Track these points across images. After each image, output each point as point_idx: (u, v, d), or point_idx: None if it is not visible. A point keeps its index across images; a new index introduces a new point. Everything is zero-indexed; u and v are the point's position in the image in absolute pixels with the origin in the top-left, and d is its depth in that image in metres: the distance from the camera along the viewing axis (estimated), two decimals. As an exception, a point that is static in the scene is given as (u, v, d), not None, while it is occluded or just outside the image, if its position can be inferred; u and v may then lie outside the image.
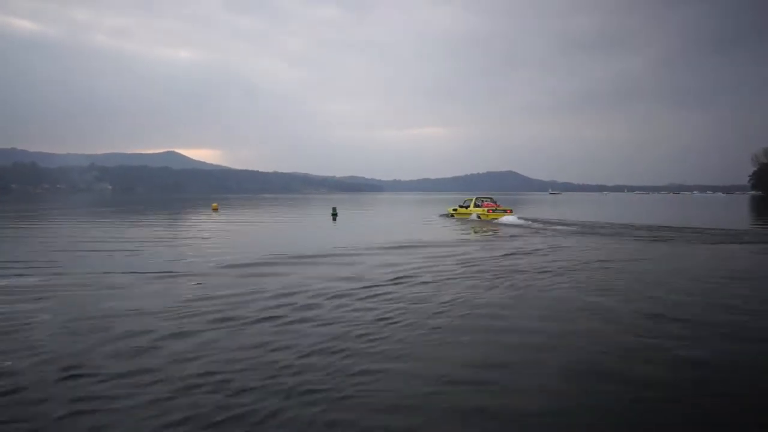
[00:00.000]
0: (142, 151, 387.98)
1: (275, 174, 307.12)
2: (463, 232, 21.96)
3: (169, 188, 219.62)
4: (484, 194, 38.25)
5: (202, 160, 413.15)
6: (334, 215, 31.79)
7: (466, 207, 31.50)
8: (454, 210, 32.67)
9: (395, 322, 6.48)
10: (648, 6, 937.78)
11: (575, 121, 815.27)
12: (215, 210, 39.19)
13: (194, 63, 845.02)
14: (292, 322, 6.48)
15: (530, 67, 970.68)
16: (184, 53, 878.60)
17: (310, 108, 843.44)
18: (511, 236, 19.08)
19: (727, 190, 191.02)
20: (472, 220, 28.66)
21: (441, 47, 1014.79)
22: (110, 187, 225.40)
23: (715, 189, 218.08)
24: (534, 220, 26.97)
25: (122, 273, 10.12)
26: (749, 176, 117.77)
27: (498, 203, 31.42)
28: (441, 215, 33.59)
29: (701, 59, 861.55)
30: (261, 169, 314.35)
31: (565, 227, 22.80)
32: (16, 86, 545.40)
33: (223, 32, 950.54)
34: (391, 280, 9.41)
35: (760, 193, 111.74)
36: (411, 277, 9.79)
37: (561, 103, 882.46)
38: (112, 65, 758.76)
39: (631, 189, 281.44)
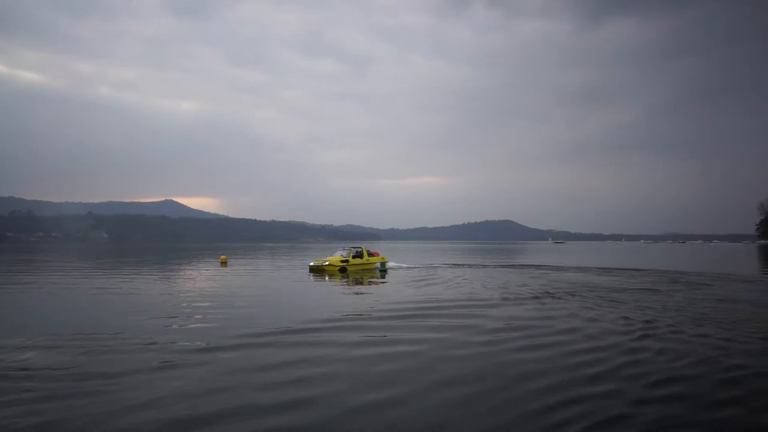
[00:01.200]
0: (140, 200, 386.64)
1: (273, 222, 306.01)
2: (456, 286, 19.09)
3: (167, 237, 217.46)
4: (355, 244, 42.99)
5: (201, 209, 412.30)
6: (383, 271, 26.49)
7: (361, 257, 26.71)
8: (344, 262, 25.48)
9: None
10: (637, 60, 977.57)
11: (572, 170, 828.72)
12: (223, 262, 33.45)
13: (194, 114, 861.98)
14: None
15: (526, 119, 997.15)
16: (185, 105, 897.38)
17: (309, 158, 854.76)
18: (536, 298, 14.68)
19: (731, 238, 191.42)
20: (377, 270, 26.48)
21: (438, 99, 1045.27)
22: (106, 235, 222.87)
23: (717, 238, 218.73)
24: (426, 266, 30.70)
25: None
26: (756, 225, 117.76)
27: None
28: (317, 270, 24.88)
29: (692, 110, 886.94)
30: (259, 218, 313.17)
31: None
32: (17, 136, 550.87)
33: (223, 85, 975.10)
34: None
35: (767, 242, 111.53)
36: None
37: (557, 154, 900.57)
38: (113, 116, 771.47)
39: (629, 238, 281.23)
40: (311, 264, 26.16)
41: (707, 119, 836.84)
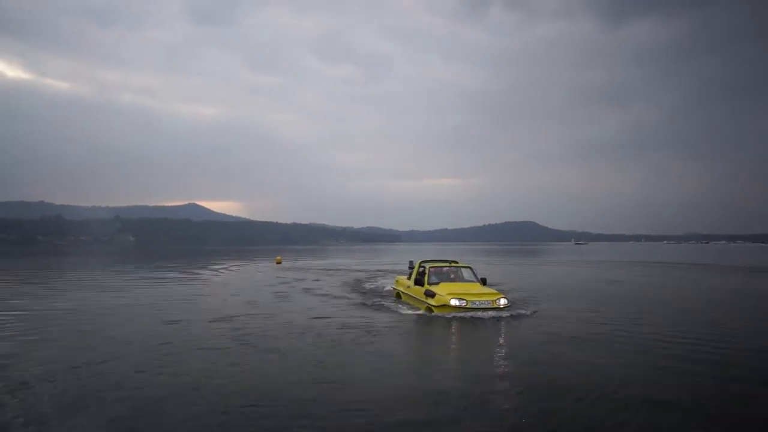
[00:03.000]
0: (165, 204, 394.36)
1: (294, 225, 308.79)
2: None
3: (191, 240, 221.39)
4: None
5: (223, 212, 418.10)
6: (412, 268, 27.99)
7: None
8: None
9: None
10: (658, 60, 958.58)
11: (593, 171, 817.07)
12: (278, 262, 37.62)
13: (216, 118, 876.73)
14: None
15: (545, 119, 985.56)
16: (206, 109, 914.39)
17: (328, 160, 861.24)
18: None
19: (755, 239, 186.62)
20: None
21: (455, 101, 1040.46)
22: (132, 239, 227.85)
23: (741, 239, 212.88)
24: None
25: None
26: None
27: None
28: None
29: (713, 110, 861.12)
30: (280, 221, 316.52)
31: None
32: (46, 142, 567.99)
33: (243, 89, 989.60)
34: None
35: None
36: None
37: (577, 154, 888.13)
38: (137, 121, 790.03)
39: (651, 239, 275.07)
40: (435, 305, 12.02)
41: (730, 118, 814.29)
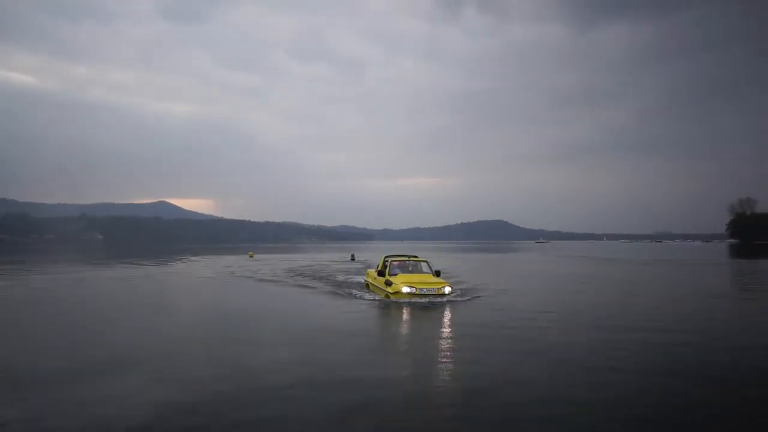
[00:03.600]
0: (134, 201, 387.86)
1: (267, 223, 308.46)
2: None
3: (162, 238, 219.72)
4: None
5: (195, 210, 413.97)
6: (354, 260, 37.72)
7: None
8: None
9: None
10: (629, 64, 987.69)
11: (564, 171, 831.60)
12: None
13: (188, 116, 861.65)
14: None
15: (519, 121, 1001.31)
16: (179, 107, 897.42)
17: (302, 159, 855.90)
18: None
19: (708, 238, 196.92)
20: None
21: (431, 102, 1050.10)
22: (100, 237, 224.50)
23: (696, 237, 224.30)
24: None
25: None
26: (726, 225, 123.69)
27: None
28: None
29: (680, 112, 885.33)
30: (253, 219, 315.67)
31: None
32: (9, 138, 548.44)
33: (217, 88, 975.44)
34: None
35: (737, 241, 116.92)
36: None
37: (550, 155, 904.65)
38: (106, 119, 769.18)
39: (613, 237, 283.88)
40: (391, 292, 14.54)
41: (695, 121, 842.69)
